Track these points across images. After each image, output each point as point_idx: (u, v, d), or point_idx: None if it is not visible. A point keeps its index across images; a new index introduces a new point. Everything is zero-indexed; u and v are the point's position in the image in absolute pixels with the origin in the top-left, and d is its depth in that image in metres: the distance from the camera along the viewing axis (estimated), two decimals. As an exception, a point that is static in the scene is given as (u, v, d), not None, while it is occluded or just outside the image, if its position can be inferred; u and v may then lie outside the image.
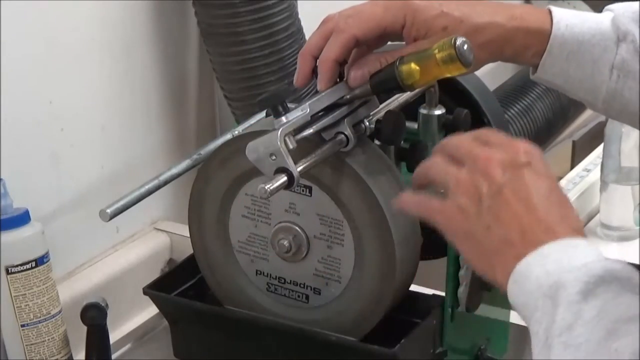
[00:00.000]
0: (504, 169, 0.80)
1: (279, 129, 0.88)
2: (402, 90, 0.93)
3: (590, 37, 0.97)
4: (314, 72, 0.95)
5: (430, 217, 0.84)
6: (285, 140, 0.88)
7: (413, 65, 0.90)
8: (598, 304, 0.73)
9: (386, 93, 0.98)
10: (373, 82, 0.93)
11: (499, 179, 0.80)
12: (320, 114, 0.94)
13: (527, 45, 0.96)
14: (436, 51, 0.88)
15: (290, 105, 0.91)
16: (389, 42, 0.98)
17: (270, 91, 0.94)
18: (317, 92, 0.95)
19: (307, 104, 0.91)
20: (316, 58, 0.95)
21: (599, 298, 0.74)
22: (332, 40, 0.94)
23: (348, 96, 0.95)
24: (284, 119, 0.89)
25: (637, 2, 0.98)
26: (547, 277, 0.76)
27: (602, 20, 0.98)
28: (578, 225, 0.81)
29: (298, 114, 0.90)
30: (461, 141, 0.84)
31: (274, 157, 0.88)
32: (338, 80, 0.95)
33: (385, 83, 0.93)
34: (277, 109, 0.90)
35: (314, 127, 0.92)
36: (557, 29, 0.96)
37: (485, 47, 0.94)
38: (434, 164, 0.84)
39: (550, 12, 0.97)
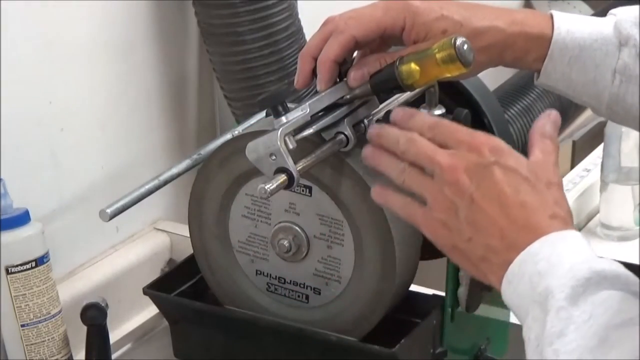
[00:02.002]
0: (470, 175, 0.81)
1: (278, 129, 0.88)
2: (402, 90, 0.93)
3: (592, 42, 0.96)
4: (314, 73, 0.95)
5: (415, 225, 0.85)
6: (285, 140, 0.88)
7: (413, 65, 0.90)
8: (588, 309, 0.74)
9: (386, 93, 0.98)
10: (373, 82, 0.93)
11: (468, 187, 0.81)
12: (320, 114, 0.93)
13: (528, 50, 0.96)
14: (436, 51, 0.88)
15: (290, 105, 0.91)
16: (392, 47, 0.98)
17: (270, 91, 0.94)
18: (317, 92, 0.95)
19: (307, 104, 0.91)
20: (316, 59, 0.95)
21: (587, 302, 0.74)
22: (332, 40, 0.94)
23: (348, 96, 0.95)
24: (283, 119, 0.89)
25: (639, 7, 0.98)
26: (539, 277, 0.76)
27: (604, 25, 0.97)
28: (557, 209, 0.81)
29: (298, 114, 0.90)
30: (421, 145, 0.84)
31: (274, 157, 0.88)
32: (338, 80, 0.95)
33: (385, 83, 0.93)
34: (277, 109, 0.90)
35: (314, 127, 0.92)
36: (558, 34, 0.96)
37: (485, 51, 0.93)
38: (410, 174, 0.85)
39: (552, 17, 0.97)
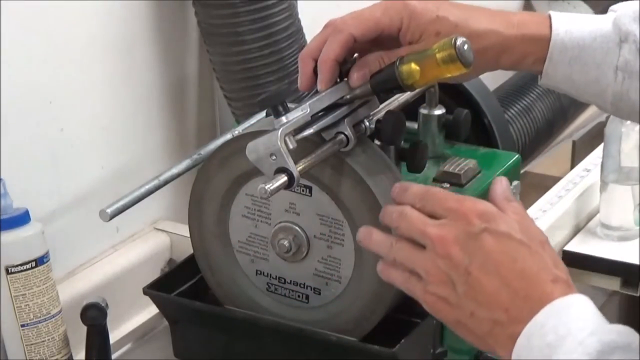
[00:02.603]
0: (462, 247, 0.81)
1: (279, 129, 0.88)
2: (402, 90, 0.93)
3: (591, 41, 0.96)
4: (316, 73, 0.95)
5: (418, 300, 0.85)
6: (285, 141, 0.88)
7: (413, 65, 0.90)
8: None
9: (386, 93, 0.98)
10: (373, 82, 0.93)
11: (462, 260, 0.80)
12: (320, 114, 0.94)
13: (526, 53, 0.95)
14: (436, 51, 0.88)
15: (290, 105, 0.91)
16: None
17: (271, 91, 0.94)
18: (317, 92, 0.95)
19: (307, 104, 0.91)
20: (316, 60, 0.95)
21: None
22: (331, 40, 0.94)
23: (348, 96, 0.95)
24: (284, 119, 0.89)
25: (638, 2, 0.97)
26: (550, 350, 0.76)
27: (603, 23, 0.97)
28: (558, 272, 0.80)
29: (298, 114, 0.90)
30: (411, 218, 0.84)
31: (274, 157, 0.88)
32: (338, 80, 0.95)
33: (386, 83, 0.93)
34: (277, 109, 0.90)
35: (314, 127, 0.92)
36: (557, 35, 0.95)
37: (481, 54, 0.92)
38: (399, 250, 0.85)
39: (549, 17, 0.96)
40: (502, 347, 0.80)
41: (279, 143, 0.87)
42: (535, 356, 0.76)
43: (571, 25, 0.96)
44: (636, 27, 0.95)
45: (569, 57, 0.96)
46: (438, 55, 0.88)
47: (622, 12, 0.96)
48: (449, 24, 0.93)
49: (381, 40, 0.96)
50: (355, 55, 0.96)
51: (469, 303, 0.80)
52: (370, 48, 0.96)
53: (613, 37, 0.96)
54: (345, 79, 0.95)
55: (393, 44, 0.96)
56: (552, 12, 0.97)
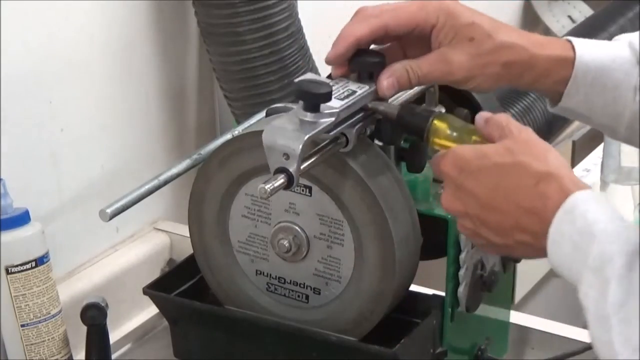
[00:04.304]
0: (457, 200, 0.87)
1: (306, 134, 0.87)
2: (421, 137, 0.93)
3: (610, 62, 0.97)
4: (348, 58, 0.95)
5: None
6: (305, 147, 0.87)
7: (447, 129, 0.91)
8: None
9: (405, 133, 0.97)
10: (401, 113, 0.93)
11: (463, 210, 0.87)
12: None
13: (549, 72, 0.96)
14: (474, 137, 0.90)
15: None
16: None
17: (311, 83, 0.90)
18: (348, 94, 0.93)
19: (337, 110, 0.90)
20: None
21: None
22: (362, 21, 0.94)
23: (370, 105, 0.94)
24: (310, 116, 0.88)
25: None
26: (581, 237, 0.79)
27: (618, 46, 0.98)
28: (541, 168, 0.83)
29: (327, 119, 0.89)
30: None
31: (286, 157, 0.87)
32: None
33: (411, 123, 0.93)
34: (312, 106, 0.88)
35: (332, 133, 0.91)
36: (581, 55, 0.96)
37: (507, 67, 0.94)
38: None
39: (570, 41, 0.98)
40: (531, 244, 0.84)
41: (299, 149, 0.87)
42: (567, 244, 0.79)
43: (592, 47, 0.97)
44: None
45: (591, 78, 0.96)
46: (474, 138, 0.90)
47: (635, 36, 0.98)
48: (483, 32, 0.94)
49: (410, 39, 0.96)
50: (374, 46, 0.96)
51: (494, 238, 0.86)
52: (396, 48, 0.96)
53: (630, 59, 0.97)
54: (374, 86, 0.94)
55: (421, 44, 0.95)
56: (571, 38, 0.98)
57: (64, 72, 1.25)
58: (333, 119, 0.90)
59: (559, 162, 0.84)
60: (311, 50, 1.43)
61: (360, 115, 0.95)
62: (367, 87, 0.94)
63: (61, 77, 1.25)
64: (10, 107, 1.17)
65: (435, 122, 0.92)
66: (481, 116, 0.90)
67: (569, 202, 0.80)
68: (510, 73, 0.95)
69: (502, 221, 0.84)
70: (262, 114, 1.10)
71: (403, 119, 0.94)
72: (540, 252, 0.83)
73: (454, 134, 0.91)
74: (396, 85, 0.93)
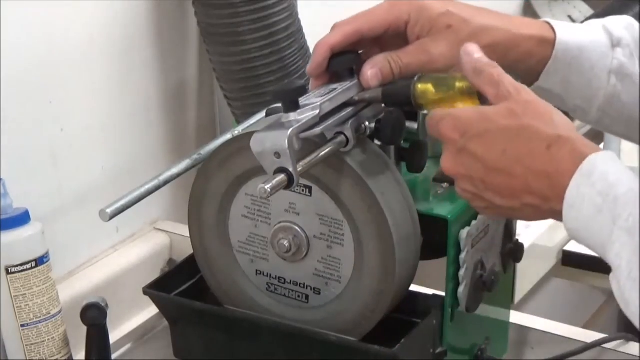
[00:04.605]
0: (460, 165, 0.86)
1: (288, 129, 0.88)
2: (411, 106, 0.93)
3: (588, 44, 0.98)
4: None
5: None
6: (292, 142, 0.87)
7: (430, 87, 0.90)
8: None
9: (395, 106, 0.97)
10: (385, 91, 0.93)
11: (467, 174, 0.85)
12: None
13: (532, 52, 0.97)
14: (457, 81, 0.89)
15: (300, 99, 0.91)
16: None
17: (286, 84, 0.93)
18: (329, 90, 0.94)
19: (319, 103, 0.91)
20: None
21: None
22: (337, 29, 0.95)
23: (356, 98, 0.95)
24: (293, 116, 0.89)
25: (622, 16, 1.01)
26: (603, 199, 0.78)
27: (594, 29, 1.00)
28: (552, 132, 0.82)
29: (309, 113, 0.90)
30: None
31: (277, 156, 0.88)
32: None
33: (398, 95, 0.93)
34: (289, 105, 0.89)
35: (319, 127, 0.92)
36: (561, 35, 0.98)
37: (492, 48, 0.93)
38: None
39: (549, 23, 0.99)
40: (557, 218, 0.83)
41: (286, 144, 0.87)
42: (588, 206, 0.79)
43: (569, 30, 0.99)
44: (627, 34, 0.99)
45: (570, 58, 0.98)
46: (458, 85, 0.88)
47: (610, 20, 1.00)
48: (459, 19, 0.94)
49: (386, 40, 0.96)
50: (360, 52, 0.97)
51: (499, 201, 0.85)
52: (375, 49, 0.97)
53: (605, 42, 0.99)
54: (356, 80, 0.95)
55: (399, 43, 0.96)
56: (549, 20, 0.99)
57: (64, 72, 1.25)
58: (316, 112, 0.90)
59: (566, 123, 0.83)
60: (311, 51, 1.43)
61: (351, 109, 0.95)
62: (348, 82, 0.95)
63: (61, 77, 1.25)
64: (10, 107, 1.17)
65: (419, 85, 0.91)
66: (469, 62, 0.87)
67: (587, 165, 0.79)
68: (496, 54, 0.94)
69: (510, 184, 0.83)
70: (262, 114, 1.10)
71: (388, 95, 0.94)
72: (546, 214, 0.83)
73: (441, 91, 0.90)
74: (380, 76, 0.94)
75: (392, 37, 0.96)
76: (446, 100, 0.90)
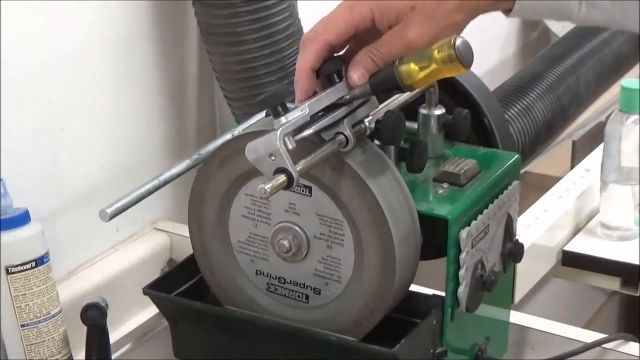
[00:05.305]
0: None
1: (278, 129, 0.88)
2: (402, 90, 0.93)
3: None
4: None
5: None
6: (284, 141, 0.88)
7: (412, 66, 0.90)
8: None
9: (385, 93, 0.98)
10: (372, 82, 0.93)
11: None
12: (319, 114, 0.94)
13: None
14: (435, 52, 0.89)
15: (289, 105, 0.91)
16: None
17: (270, 91, 0.95)
18: (316, 93, 0.95)
19: (307, 104, 0.92)
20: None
21: None
22: (306, 49, 0.94)
23: (347, 96, 0.95)
24: (283, 119, 0.90)
25: None
26: None
27: None
28: None
29: (297, 114, 0.90)
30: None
31: (273, 158, 0.88)
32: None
33: (385, 83, 0.93)
34: (276, 110, 0.90)
35: (313, 127, 0.92)
36: None
37: (460, 8, 0.92)
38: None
39: None
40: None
41: (278, 143, 0.87)
42: None
43: None
44: None
45: None
46: (437, 56, 0.89)
47: None
48: None
49: (359, 37, 0.96)
50: (338, 53, 0.96)
51: None
52: (353, 47, 0.96)
53: None
54: (339, 81, 0.95)
55: (373, 35, 0.95)
56: None
57: (64, 72, 1.25)
58: (306, 111, 0.91)
59: None
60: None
61: (344, 108, 0.95)
62: (337, 83, 0.95)
63: (61, 77, 1.25)
64: (10, 107, 1.17)
65: (402, 68, 0.91)
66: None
67: None
68: (467, 11, 0.93)
69: None
70: (262, 114, 1.10)
71: (376, 85, 0.94)
72: None
73: (424, 67, 0.90)
74: (366, 74, 0.94)
75: (364, 33, 0.95)
76: (433, 74, 0.90)
